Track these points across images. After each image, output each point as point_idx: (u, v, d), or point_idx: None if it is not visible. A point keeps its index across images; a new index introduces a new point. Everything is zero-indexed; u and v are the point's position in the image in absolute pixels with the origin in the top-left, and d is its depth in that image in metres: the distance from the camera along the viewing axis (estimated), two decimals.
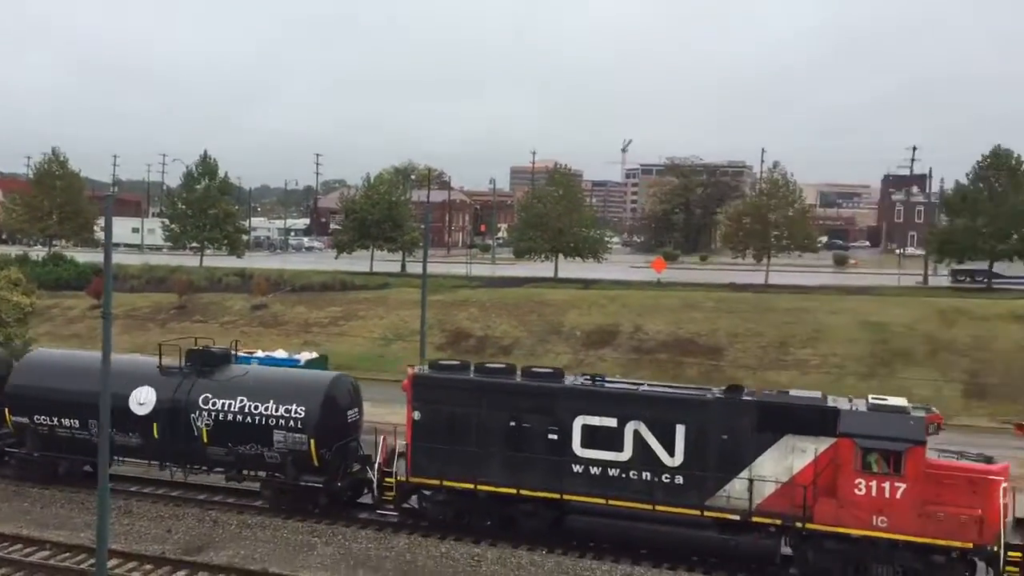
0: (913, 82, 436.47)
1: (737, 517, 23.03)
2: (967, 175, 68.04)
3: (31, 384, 28.99)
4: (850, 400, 24.17)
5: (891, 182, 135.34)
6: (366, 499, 27.81)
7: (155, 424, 27.55)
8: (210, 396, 27.38)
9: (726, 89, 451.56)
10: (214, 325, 58.87)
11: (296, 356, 39.16)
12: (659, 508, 23.55)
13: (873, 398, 23.94)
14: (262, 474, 27.39)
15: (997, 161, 66.20)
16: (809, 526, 22.49)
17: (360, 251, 78.94)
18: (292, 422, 26.46)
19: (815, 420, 22.88)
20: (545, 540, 25.11)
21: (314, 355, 40.03)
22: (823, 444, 22.55)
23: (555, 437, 24.45)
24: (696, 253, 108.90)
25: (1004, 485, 21.74)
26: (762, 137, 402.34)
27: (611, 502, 23.89)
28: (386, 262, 79.65)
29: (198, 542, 25.13)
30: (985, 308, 54.74)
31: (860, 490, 22.10)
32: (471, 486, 25.06)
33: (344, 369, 41.02)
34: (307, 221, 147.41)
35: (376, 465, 26.40)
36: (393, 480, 25.99)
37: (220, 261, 78.69)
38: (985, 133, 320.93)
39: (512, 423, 24.82)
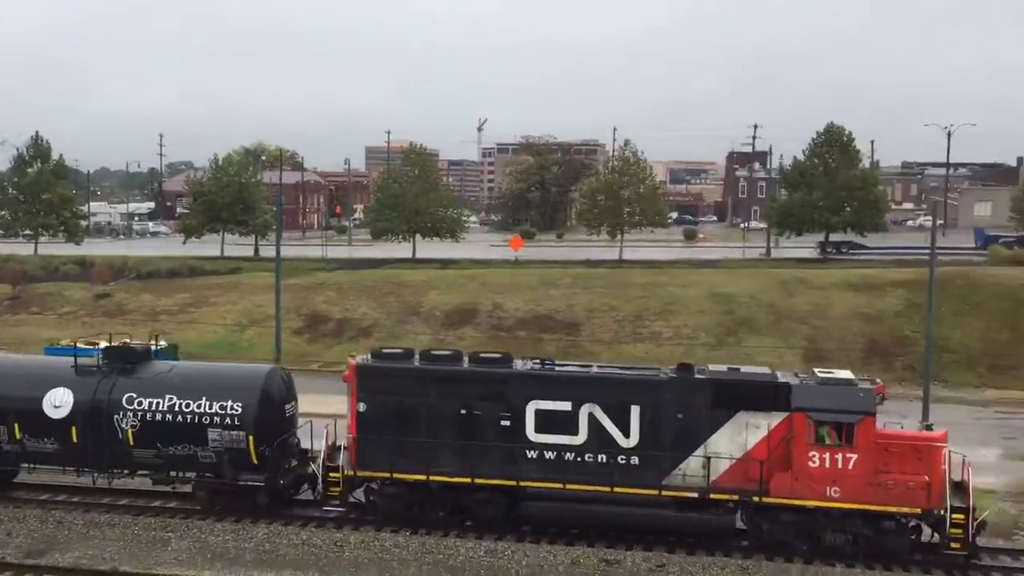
0: (755, 64, 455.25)
1: (695, 495, 23.28)
2: (804, 151, 71.61)
3: None
4: (796, 375, 24.85)
5: (735, 159, 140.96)
6: (306, 495, 26.65)
7: (73, 428, 25.78)
8: (135, 395, 25.78)
9: (579, 71, 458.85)
10: (51, 316, 55.80)
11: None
12: (617, 490, 23.44)
13: (820, 372, 24.63)
14: (191, 475, 26.00)
15: (830, 138, 69.92)
16: (766, 500, 22.96)
17: (210, 235, 76.23)
18: (228, 419, 25.25)
19: (768, 396, 23.34)
20: (408, 524, 25.06)
21: (163, 344, 38.45)
22: (776, 419, 23.03)
23: (508, 423, 24.09)
24: (553, 231, 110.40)
25: (945, 451, 22.62)
26: (614, 117, 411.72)
27: (568, 486, 23.68)
28: (238, 246, 77.20)
29: (41, 544, 23.82)
30: (822, 278, 57.85)
31: (814, 462, 22.63)
32: (423, 477, 24.43)
33: (196, 358, 39.66)
34: (152, 205, 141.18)
35: (321, 459, 25.34)
36: (339, 475, 25.01)
37: (58, 249, 74.44)
38: (821, 112, 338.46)
39: (463, 411, 24.29)
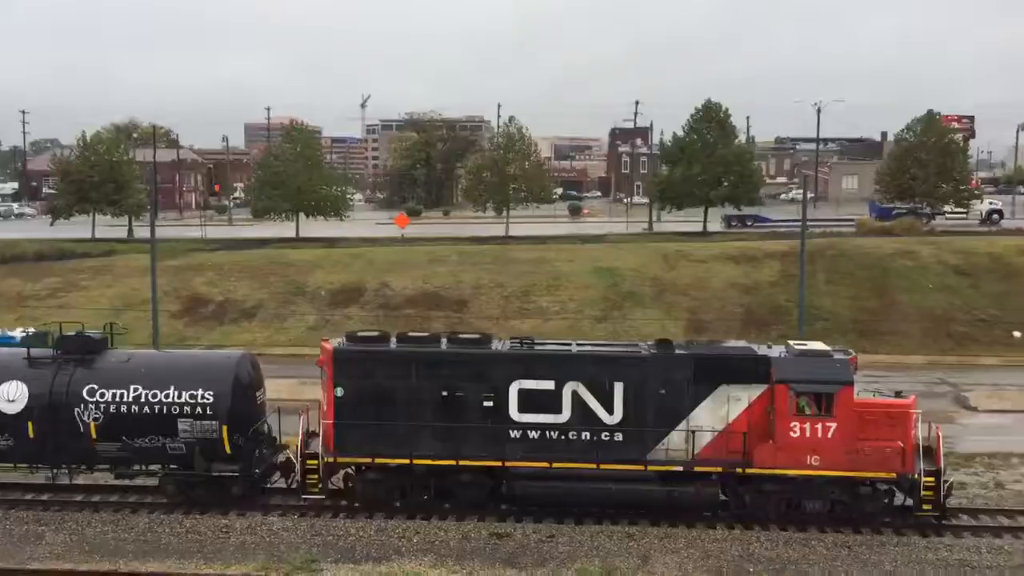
0: (636, 41, 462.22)
1: (680, 468, 23.43)
2: (683, 127, 73.25)
3: None
4: (769, 347, 25.26)
5: (618, 135, 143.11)
6: (279, 484, 25.91)
7: (30, 423, 24.36)
8: (96, 387, 24.45)
9: (464, 48, 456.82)
10: None
11: (10, 333, 35.75)
12: (603, 466, 23.46)
13: (795, 344, 25.06)
14: (155, 468, 24.97)
15: (708, 114, 71.73)
16: (749, 471, 23.31)
17: (80, 216, 72.92)
18: (200, 408, 24.23)
19: (748, 369, 23.66)
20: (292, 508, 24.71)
21: (31, 331, 36.68)
22: (756, 391, 23.38)
23: (491, 404, 23.76)
24: (439, 208, 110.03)
25: (916, 417, 23.28)
26: (498, 94, 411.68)
27: (554, 465, 23.58)
28: (110, 227, 74.19)
29: None
30: (702, 251, 59.45)
31: (795, 432, 23.00)
32: (406, 461, 23.92)
33: None
34: (16, 185, 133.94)
35: (298, 447, 24.50)
36: (318, 462, 24.17)
37: None
38: (700, 89, 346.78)
39: (444, 392, 23.85)
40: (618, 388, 23.76)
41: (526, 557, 21.88)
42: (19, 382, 24.61)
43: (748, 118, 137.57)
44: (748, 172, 71.54)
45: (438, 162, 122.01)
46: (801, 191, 59.93)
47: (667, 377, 23.80)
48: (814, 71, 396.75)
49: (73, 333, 26.01)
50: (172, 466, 24.75)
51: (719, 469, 23.61)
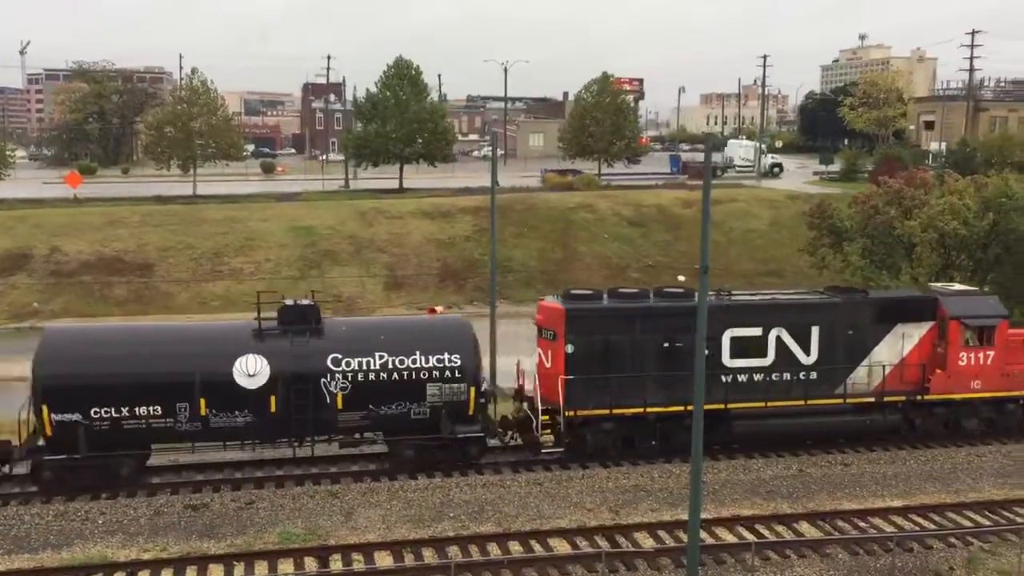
0: None
1: (872, 399, 26.46)
2: (376, 84, 73.05)
3: (80, 371, 22.12)
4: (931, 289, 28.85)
5: (311, 90, 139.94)
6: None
7: (272, 397, 22.90)
8: (340, 356, 23.49)
9: None
10: None
11: None
12: (809, 402, 25.96)
13: (943, 286, 28.77)
14: (377, 436, 24.65)
15: (400, 71, 71.97)
16: (926, 398, 26.71)
17: None
18: (448, 372, 24.04)
19: (920, 309, 27.19)
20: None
21: None
22: (925, 328, 26.90)
23: (707, 352, 21.82)
24: (117, 165, 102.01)
25: None
26: (179, 43, 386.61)
27: (769, 404, 25.72)
28: None
29: None
30: (399, 207, 60.04)
31: (963, 361, 26.79)
32: (641, 410, 25.07)
33: None
34: None
35: (537, 405, 24.74)
36: (561, 417, 24.69)
37: None
38: (391, 44, 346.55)
39: (665, 344, 25.23)
40: (814, 331, 26.34)
41: (225, 527, 21.20)
42: (257, 355, 23.05)
43: (440, 76, 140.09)
44: (441, 129, 72.85)
45: (114, 116, 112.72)
46: (491, 148, 62.06)
47: (854, 320, 26.80)
48: (503, 30, 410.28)
49: (290, 302, 24.53)
50: (416, 432, 24.22)
51: (903, 398, 26.82)
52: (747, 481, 24.46)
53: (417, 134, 70.66)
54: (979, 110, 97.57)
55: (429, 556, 19.88)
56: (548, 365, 25.26)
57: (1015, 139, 75.01)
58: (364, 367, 23.66)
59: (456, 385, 24.17)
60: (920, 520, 22.10)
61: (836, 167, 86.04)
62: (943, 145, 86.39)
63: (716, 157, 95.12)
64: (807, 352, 26.40)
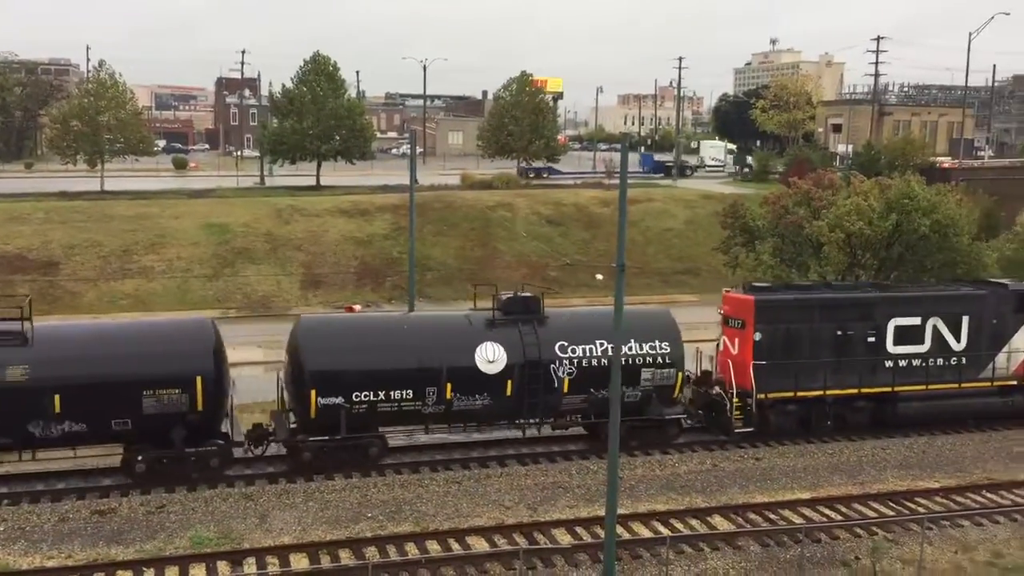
0: None
1: (1015, 382, 29.43)
2: (292, 79, 71.88)
3: (345, 360, 23.78)
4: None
5: (225, 85, 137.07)
6: None
7: (509, 381, 24.64)
8: (566, 344, 25.31)
9: None
10: None
11: None
12: (963, 385, 28.74)
13: None
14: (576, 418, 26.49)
15: (317, 67, 70.97)
16: None
17: None
18: (660, 358, 26.04)
19: None
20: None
21: None
22: None
23: (873, 339, 28.11)
24: (20, 160, 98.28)
25: None
26: (86, 36, 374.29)
27: (929, 387, 28.39)
28: None
29: None
30: (316, 205, 59.20)
31: None
32: (821, 392, 27.39)
33: None
34: None
35: (731, 389, 26.97)
36: (752, 400, 26.76)
37: None
38: (309, 40, 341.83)
39: (839, 332, 27.76)
40: (964, 321, 29.02)
41: (134, 532, 20.62)
42: (494, 343, 24.69)
43: (358, 72, 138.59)
44: (359, 126, 72.10)
45: (16, 109, 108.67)
46: (410, 146, 61.70)
47: (998, 310, 29.48)
48: (420, 32, 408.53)
49: (511, 294, 26.19)
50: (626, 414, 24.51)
51: None
52: (663, 477, 24.86)
53: (335, 131, 69.80)
54: (883, 114, 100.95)
55: (346, 557, 19.67)
56: (735, 352, 27.69)
57: (917, 143, 77.80)
58: (587, 354, 25.49)
59: (666, 370, 26.25)
60: (828, 511, 22.76)
61: (749, 168, 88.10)
62: (850, 147, 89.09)
63: (693, 159, 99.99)
64: (958, 339, 29.20)
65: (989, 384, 29.37)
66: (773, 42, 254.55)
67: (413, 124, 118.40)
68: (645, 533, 21.26)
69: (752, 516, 22.32)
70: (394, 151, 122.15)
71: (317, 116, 68.92)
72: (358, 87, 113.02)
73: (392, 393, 23.89)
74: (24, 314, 22.20)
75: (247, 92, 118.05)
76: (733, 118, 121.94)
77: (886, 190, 37.30)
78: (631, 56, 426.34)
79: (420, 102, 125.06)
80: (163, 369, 22.35)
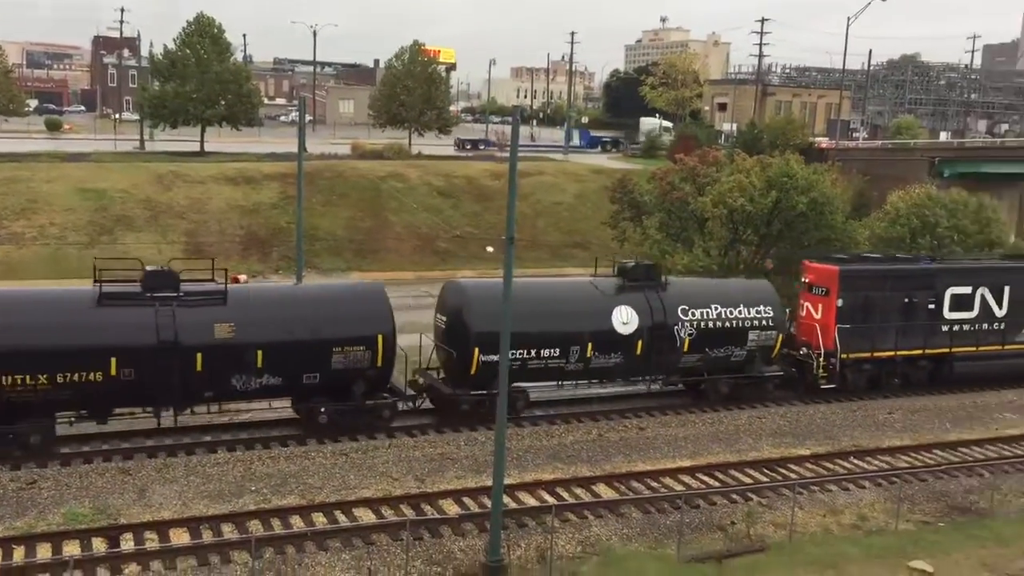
0: None
1: None
2: (175, 41, 69.17)
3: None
4: None
5: (102, 44, 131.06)
6: None
7: (639, 342, 27.36)
8: (687, 307, 28.21)
9: None
10: None
11: None
12: (1006, 347, 32.47)
13: None
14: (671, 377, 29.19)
15: (200, 28, 68.43)
16: None
17: None
18: (763, 321, 29.12)
19: None
20: None
21: None
22: None
23: (933, 306, 31.37)
24: None
25: None
26: None
27: (979, 348, 31.93)
28: None
29: None
30: (199, 171, 57.38)
31: None
32: (892, 353, 30.81)
33: None
34: None
35: (819, 350, 29.82)
36: (836, 359, 29.79)
37: None
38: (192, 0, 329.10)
39: (906, 299, 30.99)
40: (1007, 290, 32.49)
41: (3, 508, 19.72)
42: (628, 307, 27.46)
43: (244, 36, 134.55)
44: (245, 92, 70.00)
45: None
46: (299, 113, 60.38)
47: None
48: None
49: (633, 262, 29.42)
50: (730, 373, 29.19)
51: None
52: (549, 447, 25.24)
53: (219, 96, 67.60)
54: (766, 94, 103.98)
55: (229, 531, 19.32)
56: (818, 316, 30.49)
57: (797, 123, 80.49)
58: (704, 316, 28.49)
59: (769, 332, 29.34)
60: (706, 479, 23.57)
61: (639, 144, 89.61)
62: (734, 126, 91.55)
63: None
64: (1000, 307, 32.62)
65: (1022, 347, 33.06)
66: (663, 20, 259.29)
67: (303, 91, 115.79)
68: (531, 502, 21.58)
69: (635, 484, 22.91)
70: (282, 118, 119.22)
71: (201, 80, 66.58)
72: (245, 51, 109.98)
73: (542, 352, 26.40)
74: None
75: (126, 52, 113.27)
76: (624, 94, 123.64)
77: (767, 168, 38.54)
78: (525, 29, 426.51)
79: (310, 69, 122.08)
80: (351, 329, 24.38)
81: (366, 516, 20.38)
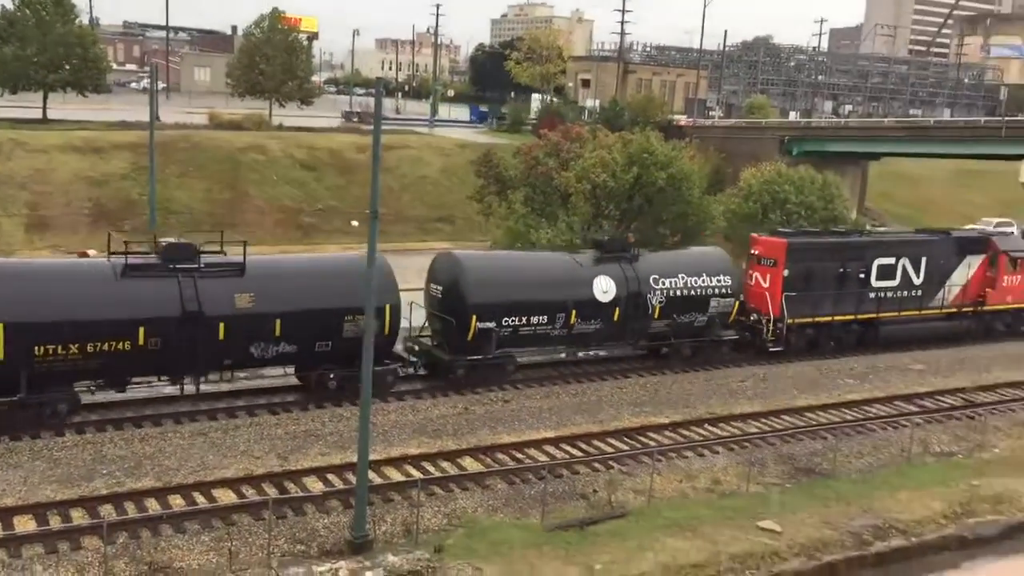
0: None
1: (955, 309, 36.69)
2: (12, 0, 64.74)
3: (499, 293, 27.75)
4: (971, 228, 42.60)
5: None
6: None
7: (617, 309, 29.46)
8: (657, 277, 30.35)
9: None
10: None
11: None
12: (922, 312, 35.68)
13: (986, 220, 41.21)
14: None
15: None
16: (984, 308, 37.46)
17: None
18: (722, 290, 31.43)
19: (979, 244, 37.66)
20: None
21: None
22: (979, 259, 37.22)
23: (863, 276, 34.22)
24: None
25: None
26: None
27: (901, 313, 35.13)
28: None
29: None
30: (42, 139, 54.17)
31: (1005, 283, 37.70)
32: (829, 318, 33.61)
33: None
34: None
35: (770, 315, 32.37)
36: (784, 324, 32.48)
37: None
38: None
39: (840, 269, 33.79)
40: (923, 261, 35.62)
41: None
42: (607, 277, 29.48)
43: None
44: (92, 57, 66.23)
45: None
46: (150, 80, 57.57)
47: (943, 252, 36.40)
48: None
49: (606, 238, 31.82)
50: (693, 337, 31.66)
51: (971, 308, 37.24)
52: (415, 422, 25.22)
53: (64, 60, 63.77)
54: (628, 72, 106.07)
55: (79, 517, 18.49)
56: (766, 285, 33.02)
57: (657, 101, 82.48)
58: (673, 285, 30.77)
59: (727, 300, 31.79)
60: (570, 449, 24.08)
61: (471, 116, 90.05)
62: (597, 103, 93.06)
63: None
64: (917, 276, 35.68)
65: (939, 311, 36.52)
66: None
67: (155, 57, 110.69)
68: (397, 477, 21.53)
69: (500, 456, 23.18)
70: (133, 85, 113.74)
71: (42, 43, 62.58)
72: (91, 13, 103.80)
73: (531, 319, 28.24)
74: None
75: None
76: (489, 68, 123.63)
77: (628, 145, 39.39)
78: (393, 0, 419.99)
79: (162, 34, 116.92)
80: (362, 299, 23.35)
81: (226, 497, 19.87)
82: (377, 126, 18.08)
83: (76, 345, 22.02)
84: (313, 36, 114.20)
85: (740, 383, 30.69)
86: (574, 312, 28.78)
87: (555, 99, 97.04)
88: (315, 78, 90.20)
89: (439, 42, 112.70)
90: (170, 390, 24.80)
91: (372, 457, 19.75)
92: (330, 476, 21.21)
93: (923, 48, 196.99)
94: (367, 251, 18.05)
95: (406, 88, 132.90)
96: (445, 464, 22.51)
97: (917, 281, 35.86)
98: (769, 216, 41.06)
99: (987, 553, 21.58)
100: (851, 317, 34.38)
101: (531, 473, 22.05)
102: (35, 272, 23.60)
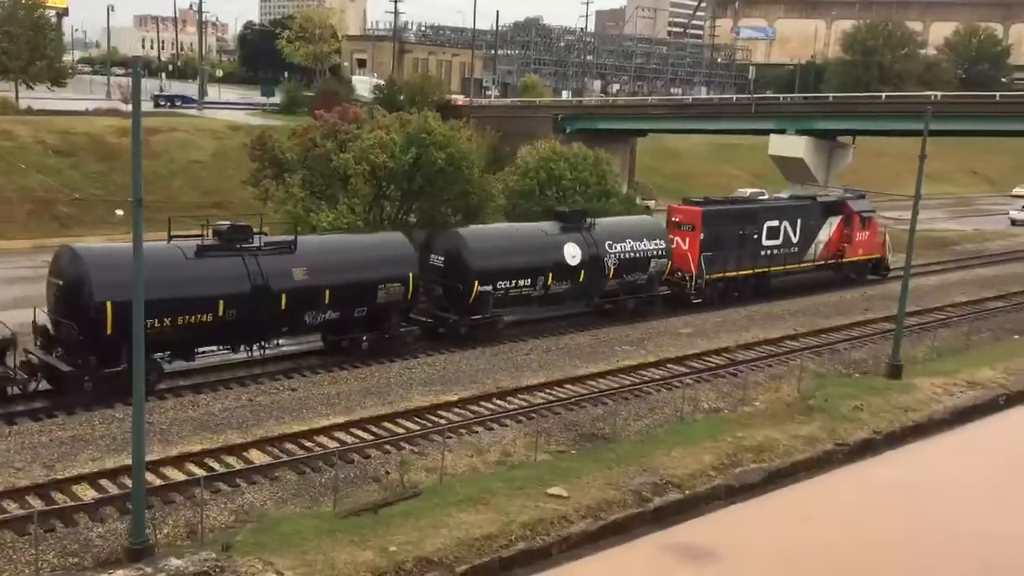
0: None
1: (821, 262, 44.41)
2: None
3: (497, 260, 32.46)
4: (825, 193, 49.54)
5: None
6: None
7: (582, 271, 34.56)
8: (611, 242, 35.75)
9: None
10: None
11: None
12: (799, 264, 43.18)
13: (845, 189, 50.02)
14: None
15: None
16: (843, 260, 45.37)
17: None
18: (659, 252, 37.32)
19: (838, 207, 44.98)
20: None
21: None
22: (838, 219, 44.57)
23: (756, 237, 40.92)
24: None
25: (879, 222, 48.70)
26: None
27: (786, 267, 42.46)
28: None
29: None
30: None
31: (857, 238, 45.44)
32: (734, 273, 40.28)
33: None
34: None
35: (692, 272, 38.76)
36: (702, 280, 38.88)
37: None
38: None
39: (740, 232, 40.47)
40: (799, 223, 42.48)
41: None
42: (573, 243, 34.57)
43: None
44: None
45: None
46: None
47: (813, 215, 43.74)
48: None
49: (567, 210, 36.72)
50: (635, 293, 37.33)
51: (833, 261, 44.93)
52: (196, 417, 24.17)
53: None
54: (404, 52, 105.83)
55: None
56: (686, 247, 38.72)
57: (434, 80, 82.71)
58: (623, 249, 35.93)
59: (662, 260, 37.46)
60: (360, 433, 23.87)
61: (278, 99, 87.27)
62: (374, 80, 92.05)
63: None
64: (795, 236, 42.51)
65: (811, 264, 43.96)
66: None
67: None
68: (178, 477, 20.55)
69: (289, 446, 22.64)
70: None
71: None
72: None
73: (519, 282, 32.85)
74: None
75: None
76: (260, 48, 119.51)
77: (406, 125, 39.20)
78: None
79: None
80: (392, 270, 29.83)
81: None
82: (136, 108, 17.00)
83: (168, 319, 24.62)
84: (63, 12, 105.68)
85: (525, 356, 31.53)
86: (551, 275, 33.64)
87: (330, 79, 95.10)
88: (67, 57, 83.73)
89: (204, 19, 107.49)
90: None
91: (150, 458, 18.78)
92: (103, 482, 19.94)
93: (680, 30, 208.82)
94: (133, 240, 16.99)
95: (170, 68, 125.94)
96: (230, 459, 21.72)
97: (795, 240, 42.75)
98: (546, 192, 42.20)
99: (752, 498, 23.39)
100: (750, 272, 41.14)
101: (321, 461, 21.70)
102: (129, 257, 22.13)
